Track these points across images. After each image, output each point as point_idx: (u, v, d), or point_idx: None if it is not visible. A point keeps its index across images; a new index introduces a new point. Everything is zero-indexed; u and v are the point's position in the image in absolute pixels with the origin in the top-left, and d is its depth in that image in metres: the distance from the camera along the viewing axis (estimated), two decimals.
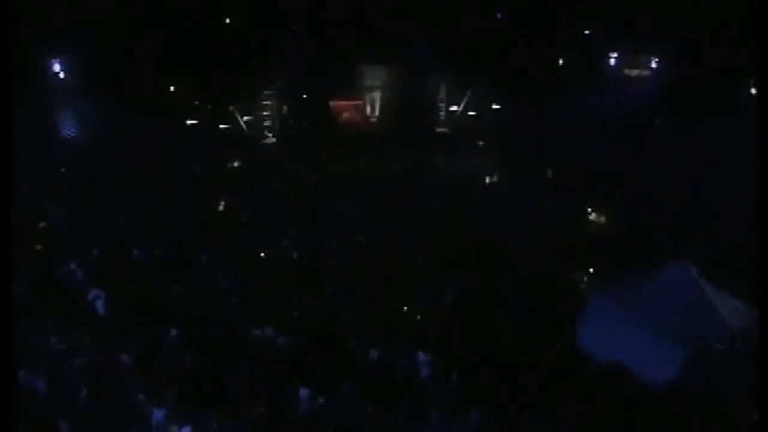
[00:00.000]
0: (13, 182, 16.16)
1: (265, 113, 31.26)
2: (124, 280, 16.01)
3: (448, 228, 20.54)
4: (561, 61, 31.58)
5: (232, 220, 20.95)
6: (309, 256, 18.35)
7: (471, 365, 13.41)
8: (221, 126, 30.21)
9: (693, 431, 12.12)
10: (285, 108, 31.60)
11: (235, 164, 26.98)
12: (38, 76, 27.15)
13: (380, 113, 32.71)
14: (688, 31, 26.14)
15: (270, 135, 31.13)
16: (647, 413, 12.35)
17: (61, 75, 28.15)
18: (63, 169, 23.96)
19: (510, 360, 13.77)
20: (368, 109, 32.85)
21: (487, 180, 26.29)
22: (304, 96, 31.64)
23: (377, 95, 32.80)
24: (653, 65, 29.89)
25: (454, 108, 32.17)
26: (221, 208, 22.14)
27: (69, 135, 27.51)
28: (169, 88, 30.27)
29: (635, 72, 30.44)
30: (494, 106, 30.95)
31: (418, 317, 15.99)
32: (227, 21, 31.65)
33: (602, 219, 21.90)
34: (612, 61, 30.59)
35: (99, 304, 14.68)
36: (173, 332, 13.92)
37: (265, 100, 31.22)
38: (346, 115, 32.29)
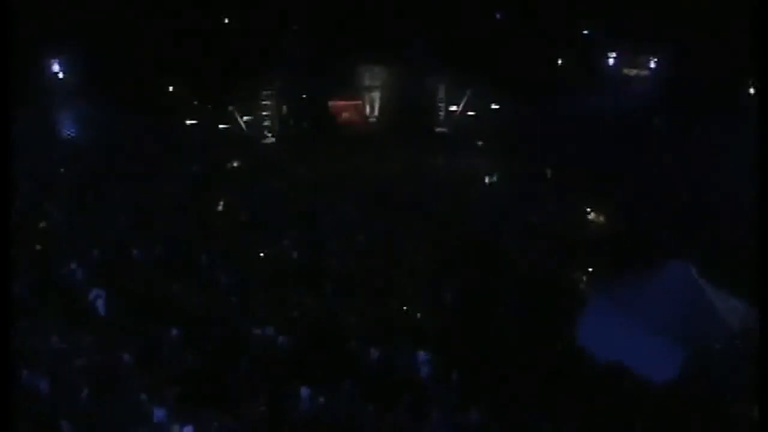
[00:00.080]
0: (13, 182, 16.14)
1: (264, 113, 31.23)
2: (124, 280, 16.03)
3: (448, 228, 20.54)
4: (560, 61, 31.58)
5: (231, 220, 20.96)
6: (309, 255, 18.35)
7: (471, 365, 13.42)
8: (221, 126, 30.18)
9: (693, 431, 12.13)
10: (284, 108, 31.57)
11: (235, 164, 26.97)
12: (38, 76, 27.16)
13: (380, 113, 32.68)
14: (687, 31, 26.13)
15: (269, 135, 31.10)
16: (647, 413, 12.36)
17: (61, 75, 28.18)
18: (63, 170, 23.96)
19: (510, 360, 13.77)
20: (367, 109, 32.82)
21: (487, 180, 26.27)
22: (304, 96, 31.60)
23: (376, 95, 32.76)
24: (652, 65, 29.89)
25: (453, 108, 32.14)
26: (221, 208, 22.16)
27: (69, 135, 27.51)
28: (169, 88, 30.22)
29: (634, 72, 30.44)
30: (493, 106, 30.92)
31: (418, 317, 15.98)
32: (226, 21, 31.64)
33: (602, 219, 21.90)
34: (611, 61, 30.59)
35: (99, 304, 14.70)
36: (173, 332, 13.94)
37: (264, 100, 31.19)
38: (345, 115, 32.28)
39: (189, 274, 16.95)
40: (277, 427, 11.63)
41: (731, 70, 25.44)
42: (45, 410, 11.42)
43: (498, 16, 31.77)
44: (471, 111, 31.70)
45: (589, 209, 22.05)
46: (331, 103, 31.93)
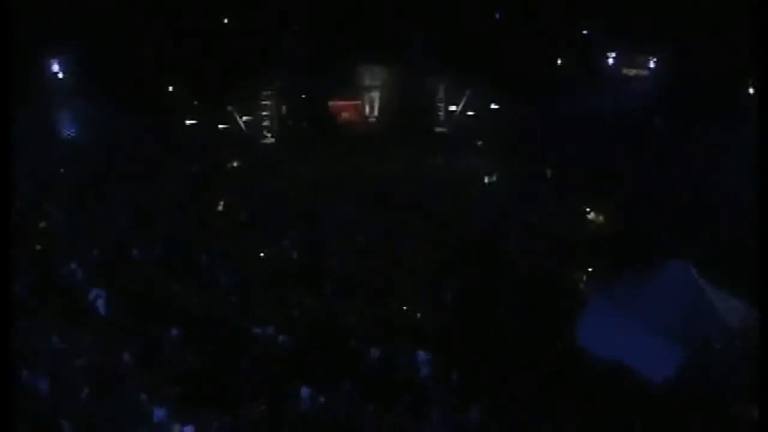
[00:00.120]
0: (13, 182, 16.14)
1: (264, 113, 31.20)
2: (124, 280, 16.04)
3: (448, 228, 20.55)
4: (559, 61, 31.58)
5: (231, 220, 20.97)
6: (309, 255, 18.36)
7: (471, 365, 13.42)
8: (220, 126, 30.17)
9: (692, 430, 12.14)
10: (284, 108, 31.54)
11: (234, 164, 26.96)
12: (38, 76, 27.16)
13: (379, 113, 32.64)
14: (686, 30, 26.15)
15: (269, 135, 31.07)
16: (647, 412, 12.37)
17: (61, 75, 28.18)
18: (63, 170, 23.97)
19: (510, 359, 13.78)
20: (367, 109, 32.79)
21: (486, 180, 26.26)
22: (303, 96, 31.58)
23: (376, 95, 32.72)
24: (652, 65, 29.90)
25: (453, 108, 32.11)
26: (221, 208, 22.16)
27: (68, 135, 27.50)
28: (168, 88, 30.21)
29: (633, 72, 30.44)
30: (493, 106, 30.91)
31: (418, 317, 16.00)
32: (226, 21, 31.64)
33: (601, 219, 21.89)
34: (610, 61, 30.59)
35: (99, 304, 14.70)
36: (173, 332, 13.95)
37: (264, 100, 31.16)
38: (345, 115, 32.27)
39: (189, 274, 16.97)
40: (277, 427, 11.63)
41: (731, 70, 25.45)
42: (45, 410, 11.41)
43: (497, 16, 31.77)
44: (470, 111, 31.66)
45: (588, 209, 22.05)
46: (330, 103, 31.91)
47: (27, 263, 16.16)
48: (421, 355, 13.63)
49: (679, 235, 18.52)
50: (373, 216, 21.01)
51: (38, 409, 11.42)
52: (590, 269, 18.20)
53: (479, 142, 29.31)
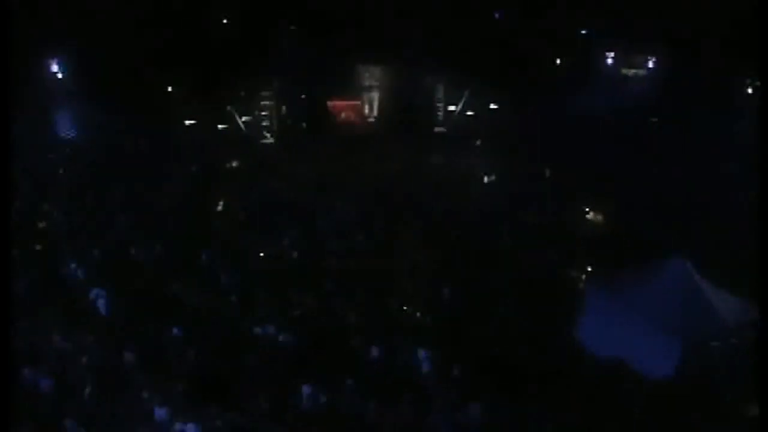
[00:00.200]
0: (13, 182, 16.17)
1: (263, 113, 31.22)
2: (124, 280, 16.03)
3: (447, 227, 20.57)
4: (558, 61, 31.62)
5: (231, 220, 20.99)
6: (309, 255, 18.37)
7: (471, 363, 13.45)
8: (219, 126, 30.20)
9: (692, 426, 12.18)
10: (283, 108, 31.58)
11: (234, 164, 26.98)
12: (38, 76, 27.17)
13: (378, 113, 32.65)
14: (685, 30, 26.20)
15: (268, 135, 31.09)
16: (646, 408, 12.40)
17: (60, 75, 28.20)
18: (62, 170, 23.98)
19: (510, 358, 13.82)
20: (366, 109, 32.80)
21: (486, 179, 26.29)
22: (302, 96, 31.61)
23: (375, 95, 32.71)
24: (650, 65, 29.94)
25: (452, 108, 32.14)
26: (220, 208, 22.18)
27: (68, 135, 27.49)
28: (167, 89, 30.22)
29: (632, 72, 30.47)
30: (492, 106, 30.95)
31: (418, 315, 16.03)
32: (225, 21, 31.66)
33: (600, 217, 21.92)
34: (609, 61, 30.62)
35: (99, 304, 14.71)
36: (174, 331, 13.97)
37: (263, 100, 31.18)
38: (344, 115, 32.28)
39: (189, 273, 16.97)
40: (278, 425, 11.67)
41: (730, 70, 25.50)
42: (46, 410, 11.43)
43: (496, 16, 31.80)
44: (470, 111, 31.70)
45: (587, 208, 22.07)
46: (329, 103, 31.93)
47: (27, 263, 16.15)
48: (422, 353, 13.65)
49: (679, 234, 18.53)
50: (372, 216, 21.02)
51: (39, 408, 11.43)
52: (589, 268, 18.23)
53: (478, 142, 29.31)
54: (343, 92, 32.27)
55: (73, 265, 16.37)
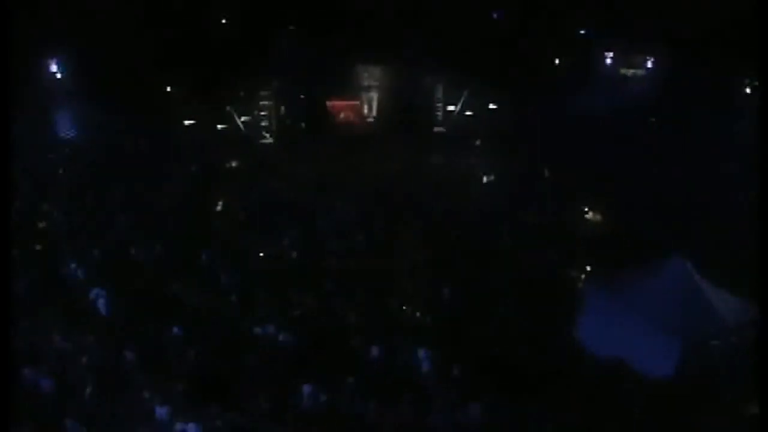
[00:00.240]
0: (13, 182, 16.17)
1: (262, 113, 31.20)
2: (124, 280, 16.03)
3: (446, 226, 20.58)
4: (557, 61, 31.65)
5: (231, 220, 20.99)
6: (309, 255, 18.39)
7: (471, 363, 13.46)
8: (219, 126, 30.19)
9: (692, 426, 12.19)
10: (282, 108, 31.57)
11: (233, 164, 26.97)
12: (37, 76, 27.17)
13: (377, 113, 32.60)
14: (684, 30, 26.22)
15: (267, 135, 31.09)
16: (646, 408, 12.41)
17: (59, 75, 28.21)
18: (62, 170, 23.98)
19: (510, 357, 13.84)
20: (365, 109, 32.76)
21: (485, 179, 26.30)
22: (302, 96, 31.62)
23: (374, 95, 32.67)
24: (649, 65, 29.96)
25: (451, 108, 32.14)
26: (219, 208, 22.18)
27: (68, 135, 27.48)
28: (167, 89, 30.22)
29: (631, 71, 30.50)
30: (491, 106, 30.96)
31: (418, 315, 16.05)
32: (224, 21, 31.66)
33: (600, 217, 21.93)
34: (608, 61, 30.65)
35: (99, 304, 14.71)
36: (174, 331, 13.97)
37: (262, 100, 31.16)
38: (343, 115, 32.25)
39: (188, 273, 16.98)
40: (279, 425, 11.67)
41: (728, 70, 25.52)
42: (46, 410, 11.43)
43: (495, 15, 31.81)
44: (469, 111, 31.69)
45: (587, 208, 22.08)
46: (329, 103, 31.91)
47: (27, 263, 16.14)
48: (422, 353, 13.66)
49: (679, 234, 18.55)
50: (372, 216, 21.03)
51: (39, 408, 11.42)
52: (589, 268, 18.24)
53: (477, 142, 29.30)
54: (343, 92, 32.23)
55: (73, 265, 16.36)
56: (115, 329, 13.98)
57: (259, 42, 29.34)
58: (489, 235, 20.00)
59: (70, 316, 14.27)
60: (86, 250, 17.46)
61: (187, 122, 29.51)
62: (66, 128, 27.57)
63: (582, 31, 31.37)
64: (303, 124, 31.46)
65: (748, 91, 26.57)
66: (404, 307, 16.27)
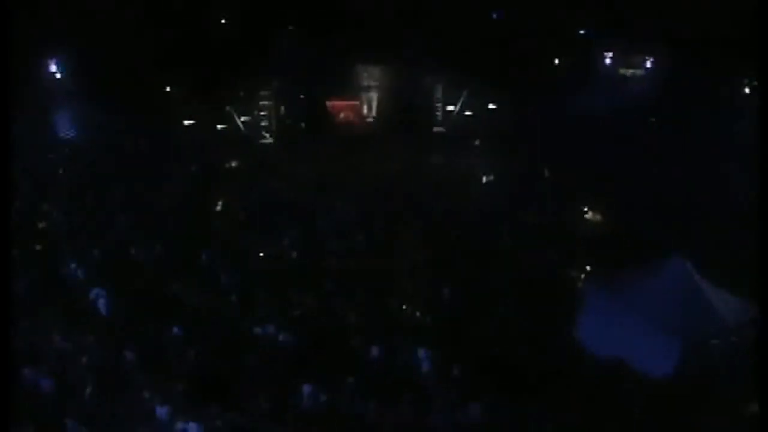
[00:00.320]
0: (13, 182, 16.16)
1: (262, 113, 31.22)
2: (124, 280, 16.03)
3: (446, 227, 20.58)
4: (556, 61, 31.66)
5: (231, 220, 20.99)
6: (309, 255, 18.38)
7: (471, 362, 13.46)
8: (219, 126, 30.21)
9: (692, 426, 12.19)
10: (282, 108, 31.60)
11: (233, 164, 26.98)
12: (37, 77, 27.17)
13: (377, 113, 32.62)
14: (684, 30, 26.22)
15: (267, 135, 31.10)
16: (646, 408, 12.41)
17: (59, 75, 28.23)
18: (62, 170, 23.98)
19: (510, 357, 13.83)
20: (365, 109, 32.79)
21: (484, 179, 26.30)
22: (302, 96, 31.67)
23: (374, 95, 32.69)
24: (648, 64, 29.98)
25: (450, 108, 32.15)
26: (219, 208, 22.18)
27: (68, 135, 27.49)
28: (167, 89, 30.23)
29: (631, 71, 30.52)
30: (491, 106, 30.98)
31: (418, 315, 16.05)
32: (224, 21, 31.67)
33: (599, 217, 21.94)
34: (607, 61, 30.67)
35: (99, 304, 14.71)
36: (174, 331, 13.97)
37: (262, 100, 31.18)
38: (343, 115, 32.29)
39: (188, 273, 16.98)
40: (279, 425, 11.67)
41: (727, 70, 25.54)
42: (46, 410, 11.43)
43: (494, 15, 31.83)
44: (468, 111, 31.71)
45: (587, 208, 22.09)
46: (329, 103, 31.95)
47: (27, 263, 16.14)
48: (422, 353, 13.66)
49: (679, 234, 18.55)
50: (372, 216, 21.03)
51: (39, 408, 11.42)
52: (589, 268, 18.24)
53: (477, 142, 29.31)
54: (342, 92, 32.27)
55: (73, 265, 16.36)
56: (115, 329, 13.97)
57: (259, 42, 29.35)
58: (489, 235, 19.98)
59: (70, 316, 14.27)
60: (86, 250, 17.46)
61: (187, 122, 29.55)
62: (66, 128, 27.60)
63: (582, 31, 31.38)
64: (303, 124, 31.51)
65: (747, 91, 26.57)
66: (404, 307, 16.25)
